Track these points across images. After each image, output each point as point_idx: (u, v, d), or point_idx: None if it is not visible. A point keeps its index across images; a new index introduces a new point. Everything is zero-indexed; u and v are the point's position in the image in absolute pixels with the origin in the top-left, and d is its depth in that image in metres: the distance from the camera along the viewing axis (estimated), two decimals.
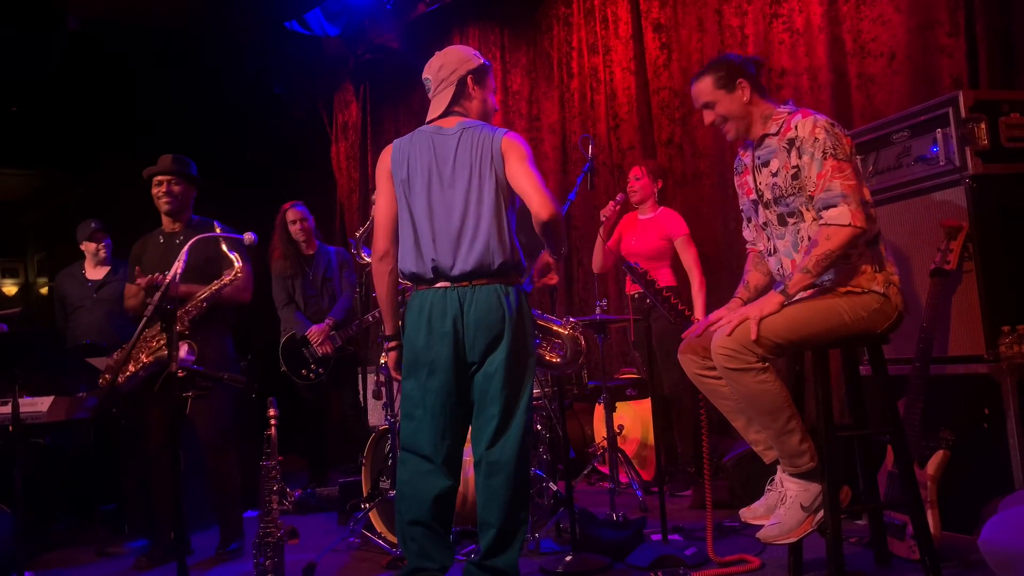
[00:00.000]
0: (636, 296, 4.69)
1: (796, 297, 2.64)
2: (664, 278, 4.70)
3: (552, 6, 6.44)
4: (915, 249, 3.33)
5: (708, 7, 5.28)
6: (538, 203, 2.74)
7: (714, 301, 4.54)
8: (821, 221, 2.60)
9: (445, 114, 2.90)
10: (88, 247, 5.32)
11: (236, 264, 3.81)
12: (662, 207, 4.90)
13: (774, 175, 2.75)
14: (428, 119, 2.92)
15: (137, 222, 4.34)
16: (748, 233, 3.04)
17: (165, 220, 4.16)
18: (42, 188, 9.84)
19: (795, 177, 2.68)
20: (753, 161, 2.86)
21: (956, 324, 3.23)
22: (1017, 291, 3.14)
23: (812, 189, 2.63)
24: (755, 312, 2.58)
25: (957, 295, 3.22)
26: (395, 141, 2.93)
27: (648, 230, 4.80)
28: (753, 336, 2.53)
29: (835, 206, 2.57)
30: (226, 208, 4.39)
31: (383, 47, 7.42)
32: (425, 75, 2.95)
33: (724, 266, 5.18)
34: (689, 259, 4.70)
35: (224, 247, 3.78)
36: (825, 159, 2.59)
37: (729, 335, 2.57)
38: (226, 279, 3.87)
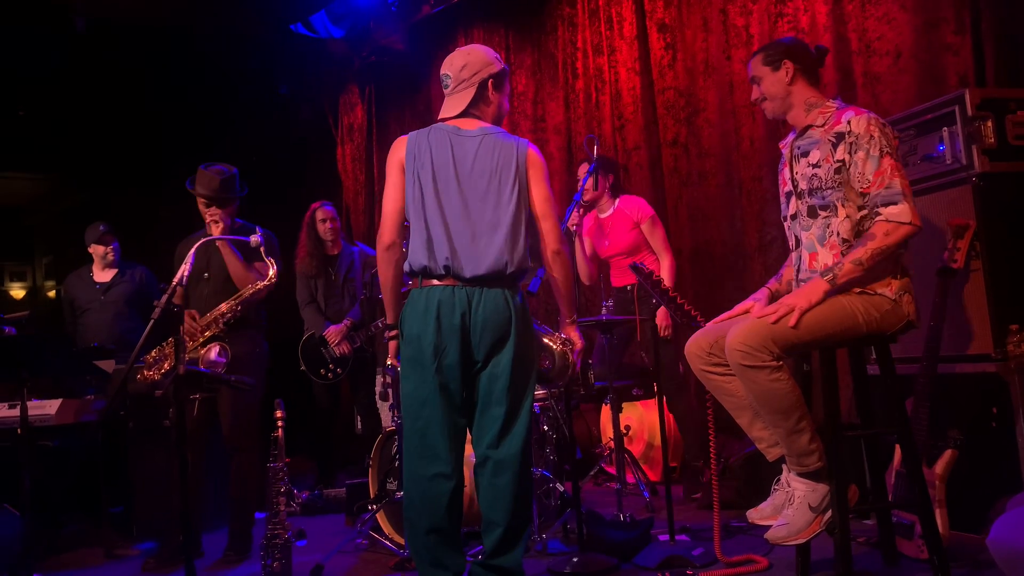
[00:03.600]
0: (627, 288, 4.65)
1: (839, 288, 2.61)
2: (650, 267, 4.57)
3: (557, 7, 6.44)
4: (922, 248, 3.31)
5: (713, 7, 5.27)
6: (553, 235, 2.90)
7: (720, 301, 4.52)
8: (880, 217, 2.60)
9: (462, 115, 2.90)
10: (96, 250, 5.34)
11: (271, 270, 3.84)
12: (619, 197, 4.74)
13: (813, 166, 2.75)
14: (443, 116, 2.92)
15: (145, 225, 4.35)
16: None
17: (210, 226, 4.16)
18: (50, 191, 9.87)
19: (838, 172, 2.68)
20: (792, 151, 2.86)
21: (964, 323, 3.22)
22: None
23: (865, 186, 2.63)
24: (803, 302, 2.57)
25: (964, 294, 3.21)
26: (410, 134, 2.90)
27: (616, 226, 4.67)
28: (792, 323, 2.53)
29: (896, 203, 2.58)
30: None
31: (388, 49, 7.42)
32: (445, 71, 2.94)
33: (729, 267, 5.18)
34: (658, 241, 4.59)
35: (263, 252, 3.80)
36: (883, 157, 2.61)
37: (774, 323, 2.55)
38: (260, 284, 3.90)
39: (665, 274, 4.53)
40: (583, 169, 4.64)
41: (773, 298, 2.88)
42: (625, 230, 4.64)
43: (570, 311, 3.05)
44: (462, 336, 2.75)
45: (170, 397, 3.92)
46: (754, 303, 2.87)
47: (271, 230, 3.98)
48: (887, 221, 2.58)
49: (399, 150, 2.89)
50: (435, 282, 2.79)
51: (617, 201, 4.73)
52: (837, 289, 2.60)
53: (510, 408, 2.79)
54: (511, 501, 2.76)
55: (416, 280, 2.84)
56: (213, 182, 4.04)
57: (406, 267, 2.87)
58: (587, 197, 4.58)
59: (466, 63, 2.89)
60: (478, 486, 2.83)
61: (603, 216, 4.75)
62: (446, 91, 2.93)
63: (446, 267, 2.77)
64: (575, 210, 4.29)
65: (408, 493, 2.80)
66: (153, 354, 3.99)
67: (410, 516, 2.78)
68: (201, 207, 4.10)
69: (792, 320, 2.54)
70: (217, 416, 4.01)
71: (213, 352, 3.86)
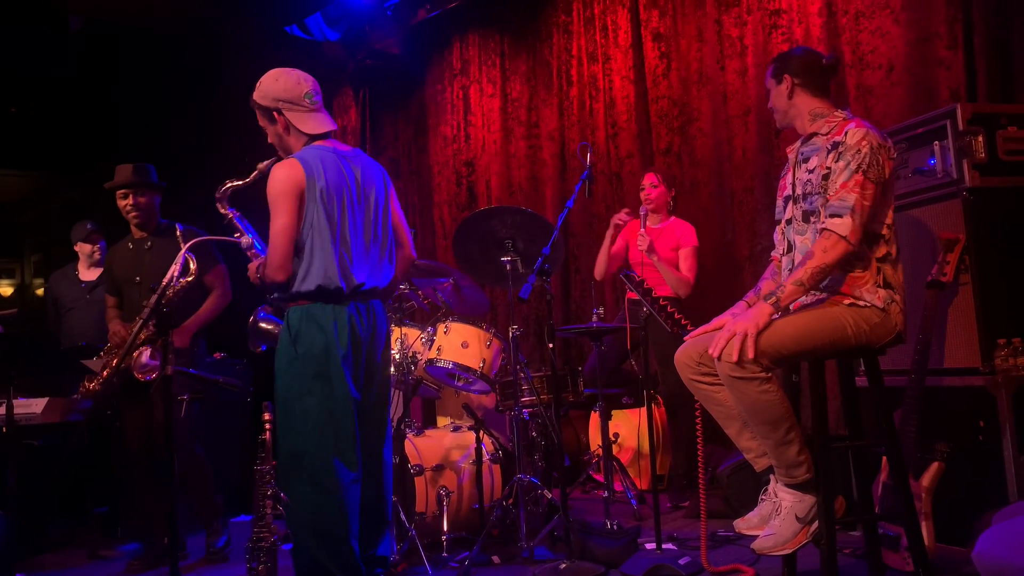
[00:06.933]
0: (634, 302, 4.67)
1: (787, 308, 2.63)
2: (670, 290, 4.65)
3: (552, 14, 6.46)
4: (912, 261, 3.33)
5: (708, 17, 5.29)
6: (410, 244, 3.16)
7: (710, 310, 4.52)
8: (821, 225, 2.62)
9: (330, 135, 3.01)
10: (83, 248, 5.30)
11: (191, 266, 3.82)
12: (673, 216, 4.85)
13: (810, 172, 2.79)
14: (325, 130, 2.97)
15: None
16: (777, 236, 3.04)
17: (133, 228, 4.22)
18: (39, 189, 9.82)
19: (825, 178, 2.71)
20: (796, 157, 2.90)
21: (952, 336, 3.23)
22: (1013, 304, 3.15)
23: (831, 194, 2.65)
24: (751, 328, 2.55)
25: (953, 307, 3.23)
26: (299, 156, 2.86)
27: (659, 241, 4.72)
28: (751, 355, 2.52)
29: (840, 216, 2.59)
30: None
31: (383, 52, 7.43)
32: (314, 88, 2.99)
33: (720, 276, 5.19)
34: (685, 267, 4.67)
35: (181, 243, 3.79)
36: (856, 173, 2.62)
37: (718, 356, 2.56)
38: (183, 280, 3.84)
39: (671, 271, 4.64)
40: (649, 178, 4.81)
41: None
42: (667, 247, 4.71)
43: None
44: (367, 348, 2.91)
45: (125, 401, 3.88)
46: (731, 317, 2.86)
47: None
48: (828, 233, 2.59)
49: (296, 175, 2.80)
50: (340, 301, 2.86)
51: (671, 219, 4.84)
52: (782, 310, 2.61)
53: (386, 412, 3.04)
54: (390, 497, 3.04)
55: (320, 299, 2.85)
56: (127, 169, 4.14)
57: (309, 287, 2.82)
58: (652, 207, 4.75)
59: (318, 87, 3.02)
60: (367, 483, 2.91)
61: (652, 227, 4.81)
62: (314, 107, 2.97)
63: (353, 286, 2.86)
64: (625, 212, 4.67)
65: (321, 505, 2.80)
66: (97, 366, 3.97)
67: (323, 527, 2.79)
68: (119, 201, 4.15)
69: (749, 350, 2.51)
70: (180, 418, 3.98)
71: (145, 355, 3.82)
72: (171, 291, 3.83)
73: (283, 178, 2.80)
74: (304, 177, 2.80)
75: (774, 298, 2.61)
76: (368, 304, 2.95)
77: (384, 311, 3.03)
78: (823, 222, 2.63)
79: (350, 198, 2.89)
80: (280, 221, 2.80)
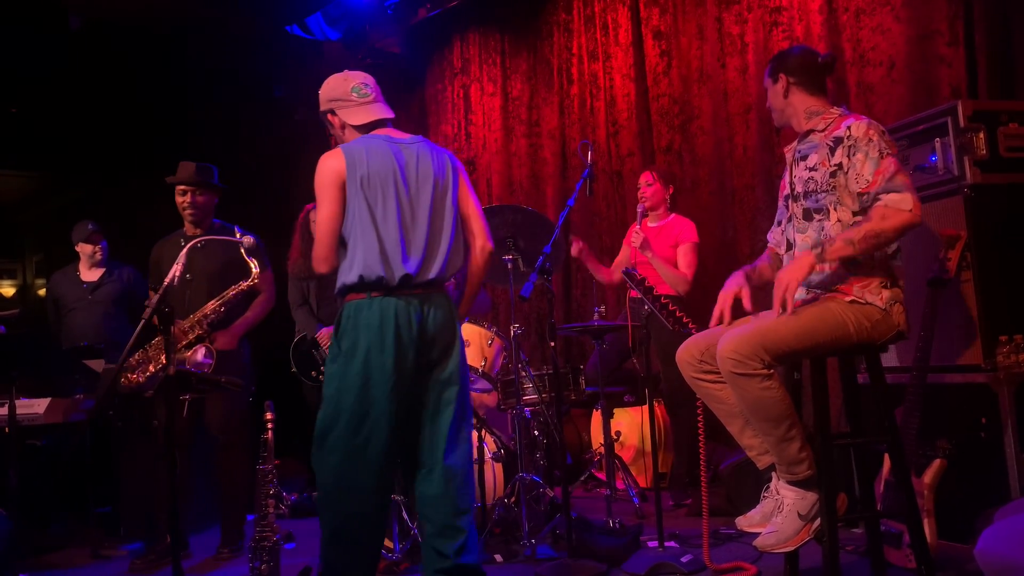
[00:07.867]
0: (635, 300, 4.66)
1: (828, 262, 2.62)
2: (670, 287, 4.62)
3: (553, 12, 6.46)
4: (913, 258, 3.32)
5: (708, 15, 5.29)
6: (485, 234, 2.96)
7: (712, 309, 4.52)
8: (880, 203, 2.59)
9: (390, 124, 2.95)
10: (84, 248, 5.30)
11: (254, 270, 3.84)
12: (673, 214, 4.80)
13: (811, 169, 2.78)
14: (372, 118, 2.91)
15: (134, 224, 4.35)
16: (773, 236, 3.04)
17: (187, 225, 4.24)
18: (41, 189, 9.83)
19: (833, 175, 2.70)
20: (794, 155, 2.90)
21: (954, 333, 3.23)
22: (1015, 301, 3.15)
23: (864, 185, 2.62)
24: (792, 279, 2.56)
25: (955, 304, 3.22)
26: (341, 148, 2.82)
27: (658, 238, 4.68)
28: (790, 304, 2.53)
29: (898, 192, 2.57)
30: (224, 210, 4.39)
31: (384, 52, 7.44)
32: (363, 80, 2.97)
33: (722, 274, 5.13)
34: (684, 263, 4.60)
35: (244, 252, 3.80)
36: (883, 158, 2.62)
37: (781, 308, 2.55)
38: (243, 284, 3.91)
39: (667, 268, 4.58)
40: (644, 177, 4.78)
41: (749, 280, 2.89)
42: (665, 245, 4.65)
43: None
44: (418, 347, 2.73)
45: (159, 398, 3.94)
46: (737, 287, 2.86)
47: (264, 230, 3.98)
48: (886, 206, 2.57)
49: (337, 166, 2.77)
50: (388, 293, 2.73)
51: (671, 216, 4.79)
52: (824, 262, 2.61)
53: (461, 414, 2.79)
54: (470, 502, 2.77)
55: (365, 292, 2.75)
56: (190, 167, 4.17)
57: (352, 279, 2.73)
58: (648, 205, 4.71)
59: (375, 83, 2.99)
60: (426, 492, 2.77)
61: (652, 225, 4.78)
62: (366, 100, 2.93)
63: (402, 276, 2.72)
64: (639, 219, 4.55)
65: (340, 505, 2.70)
66: (137, 357, 3.99)
67: (339, 527, 2.69)
68: (178, 197, 4.18)
69: (789, 302, 2.53)
70: (201, 416, 4.03)
71: (200, 354, 3.87)
72: (232, 292, 3.91)
73: (324, 169, 2.78)
74: (345, 167, 2.76)
75: (820, 249, 2.59)
76: (425, 298, 2.76)
77: (448, 307, 2.81)
78: (879, 200, 2.58)
79: (397, 186, 2.79)
80: (322, 212, 2.78)
